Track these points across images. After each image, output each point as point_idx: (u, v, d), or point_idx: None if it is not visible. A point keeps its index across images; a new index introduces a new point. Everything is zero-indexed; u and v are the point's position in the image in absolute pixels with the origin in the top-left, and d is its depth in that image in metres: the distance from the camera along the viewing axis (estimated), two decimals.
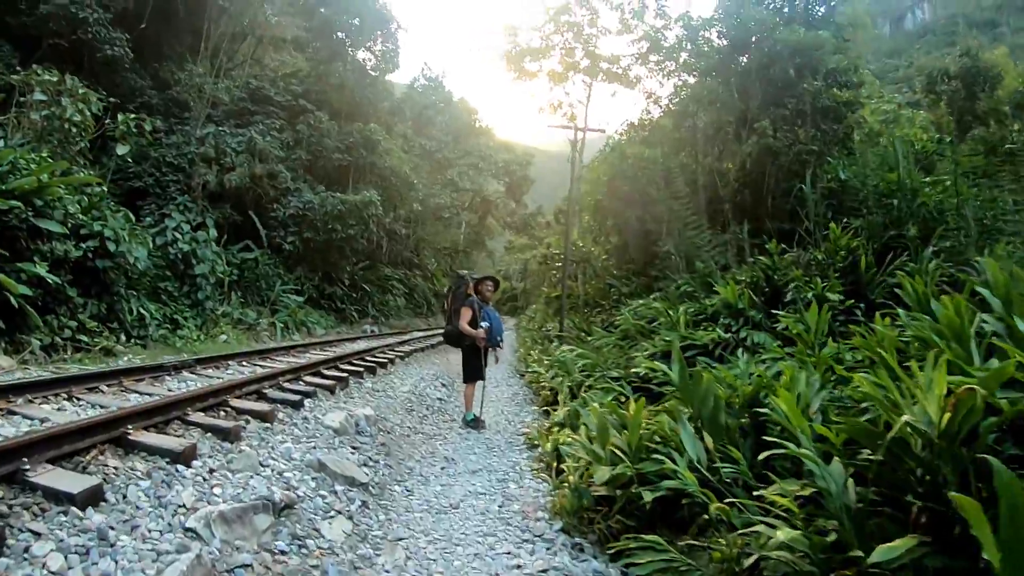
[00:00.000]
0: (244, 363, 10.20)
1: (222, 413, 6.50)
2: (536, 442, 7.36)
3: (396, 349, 15.76)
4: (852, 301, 8.01)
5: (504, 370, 15.31)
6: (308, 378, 8.90)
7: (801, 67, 16.60)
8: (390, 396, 9.27)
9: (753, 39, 17.38)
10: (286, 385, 8.18)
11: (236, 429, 5.72)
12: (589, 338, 13.37)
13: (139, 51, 22.77)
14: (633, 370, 9.07)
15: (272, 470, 5.02)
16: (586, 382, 9.30)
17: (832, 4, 18.73)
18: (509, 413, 9.96)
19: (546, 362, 12.27)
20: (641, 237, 16.36)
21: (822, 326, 6.42)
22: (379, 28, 32.01)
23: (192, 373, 8.82)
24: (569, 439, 6.12)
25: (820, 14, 18.06)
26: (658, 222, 16.19)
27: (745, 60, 17.96)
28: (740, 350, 8.18)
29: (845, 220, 10.65)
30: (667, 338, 9.06)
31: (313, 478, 5.14)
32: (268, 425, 6.45)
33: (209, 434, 5.55)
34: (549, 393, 10.79)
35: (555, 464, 6.17)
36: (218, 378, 8.50)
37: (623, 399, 7.84)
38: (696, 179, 16.67)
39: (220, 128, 23.92)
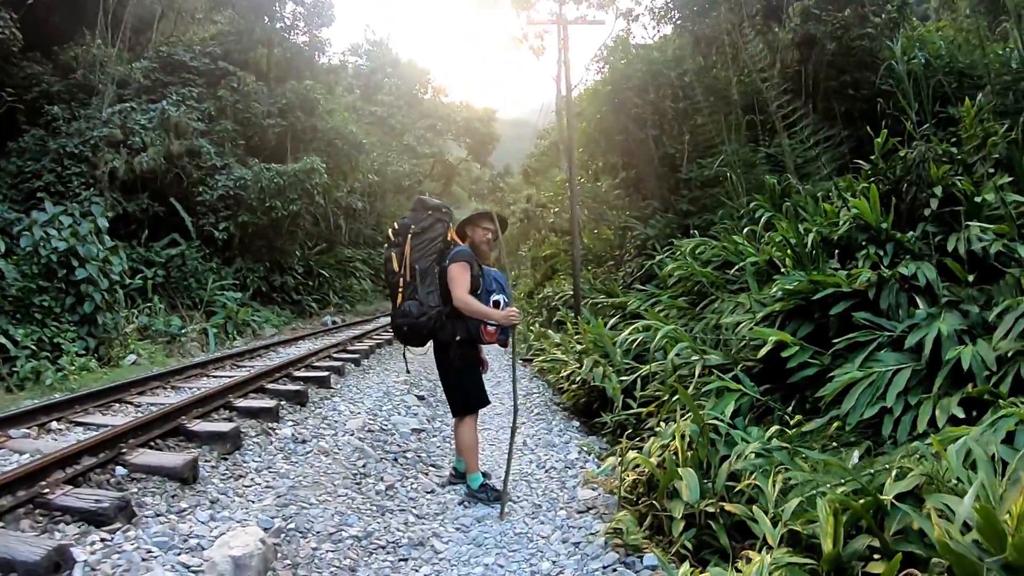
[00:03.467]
0: (75, 416, 6.14)
1: None
2: (636, 539, 3.48)
3: (354, 345, 12.06)
4: None
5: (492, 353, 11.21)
6: (173, 439, 5.13)
7: None
8: (326, 450, 5.36)
9: None
10: (90, 483, 4.21)
11: None
12: (622, 301, 9.66)
13: (35, 34, 18.94)
14: (740, 349, 5.57)
15: None
16: (662, 373, 5.74)
17: None
18: (537, 441, 6.28)
19: (571, 343, 8.55)
20: (659, 164, 12.61)
21: None
22: None
23: None
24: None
25: None
26: (679, 143, 12.48)
27: None
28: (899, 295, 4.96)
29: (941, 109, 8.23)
30: (789, 284, 5.39)
31: None
32: None
33: None
34: (582, 391, 7.19)
35: None
36: None
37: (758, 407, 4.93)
38: (718, 88, 12.93)
39: (126, 104, 19.88)
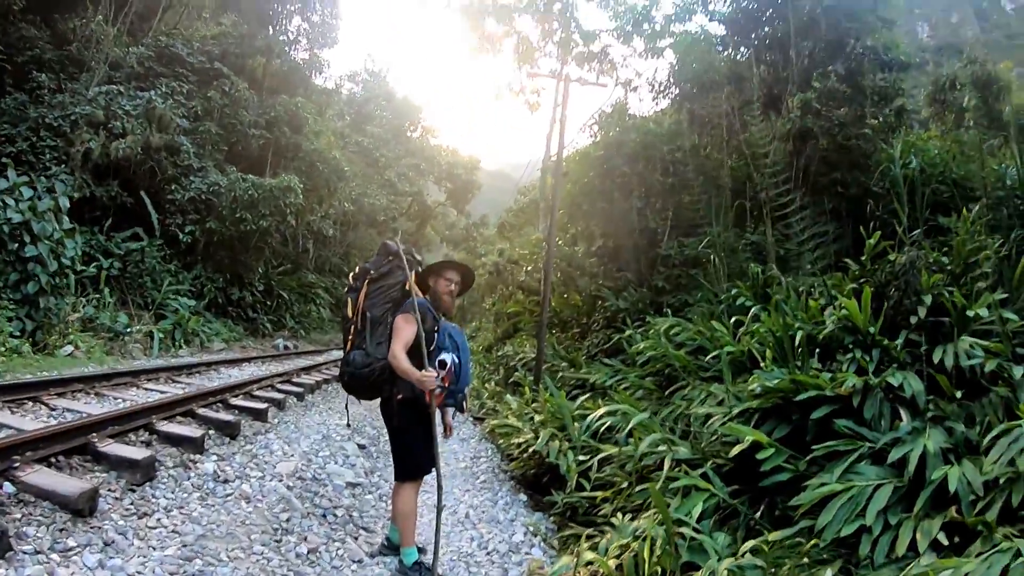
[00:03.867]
0: None
1: None
2: None
3: (300, 377, 11.43)
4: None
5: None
6: (79, 458, 4.54)
7: (847, 31, 13.11)
8: (248, 495, 4.77)
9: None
10: None
11: None
12: (585, 373, 9.30)
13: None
14: (710, 443, 5.28)
15: None
16: (622, 458, 5.40)
17: None
18: (480, 515, 5.84)
19: (528, 411, 8.12)
20: (639, 237, 12.41)
21: None
22: None
23: None
24: None
25: None
26: (663, 218, 12.31)
27: (768, 30, 14.41)
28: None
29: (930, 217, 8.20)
30: (770, 382, 5.09)
31: None
32: None
33: None
34: (533, 462, 6.81)
35: None
36: None
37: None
38: (708, 168, 12.87)
39: (114, 86, 19.39)
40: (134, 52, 20.85)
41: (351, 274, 4.35)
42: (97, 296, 15.70)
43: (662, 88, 15.87)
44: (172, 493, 4.41)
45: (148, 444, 5.15)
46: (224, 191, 19.90)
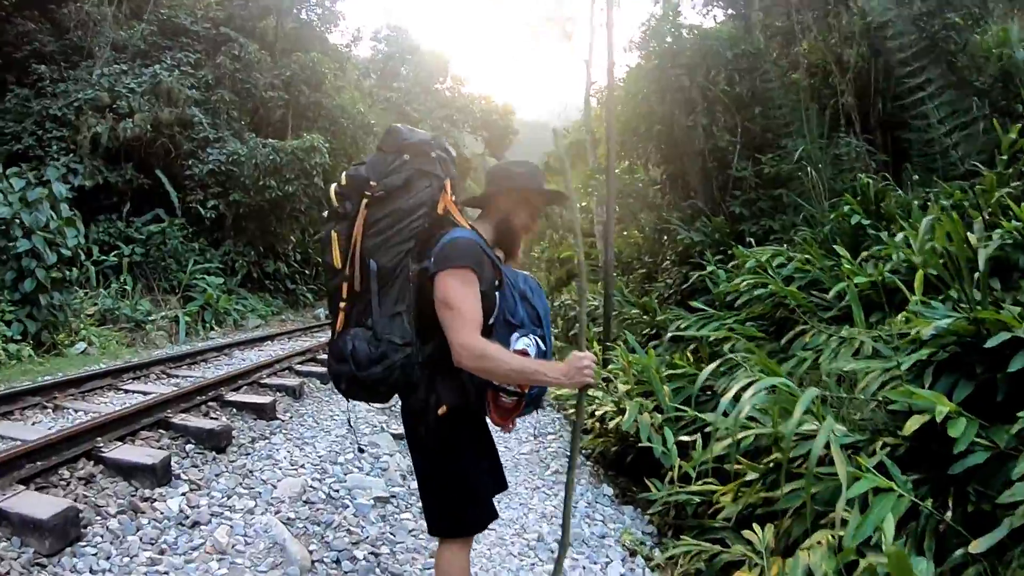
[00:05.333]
0: None
1: None
2: None
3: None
4: None
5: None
6: None
7: None
8: (223, 548, 3.25)
9: None
10: None
11: None
12: (662, 319, 7.65)
13: None
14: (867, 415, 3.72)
15: None
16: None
17: None
18: (558, 530, 4.29)
19: (603, 372, 6.51)
20: (708, 158, 10.61)
21: None
22: None
23: None
24: None
25: None
26: (731, 135, 10.51)
27: None
28: None
29: None
30: (942, 322, 3.46)
31: None
32: None
33: None
34: (613, 437, 5.32)
35: None
36: None
37: None
38: (782, 72, 10.97)
39: (117, 67, 18.20)
40: (136, 30, 19.50)
41: (333, 187, 2.31)
42: (119, 286, 14.61)
43: None
44: (106, 560, 2.98)
45: (87, 481, 3.72)
46: (245, 159, 18.53)
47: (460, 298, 2.08)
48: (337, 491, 4.29)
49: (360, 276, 2.19)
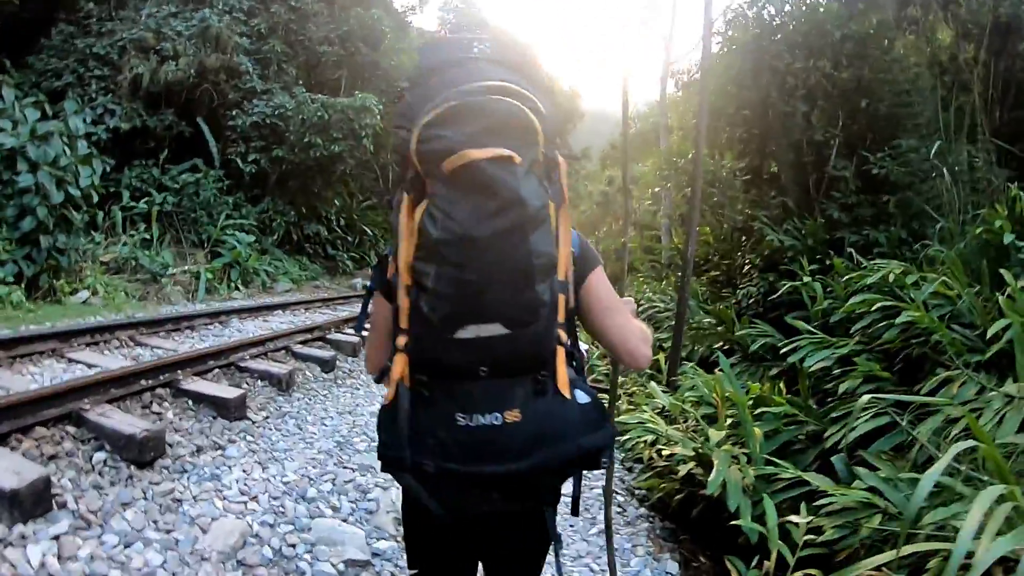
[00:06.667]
0: None
1: None
2: None
3: (343, 331, 8.71)
4: None
5: None
6: None
7: None
8: None
9: None
10: None
11: None
12: (742, 335, 6.23)
13: None
14: None
15: None
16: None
17: None
18: None
19: (672, 399, 5.08)
20: (807, 151, 9.10)
21: None
22: None
23: None
24: None
25: None
26: (832, 128, 9.01)
27: None
28: None
29: None
30: None
31: None
32: None
33: None
34: (676, 481, 4.03)
35: None
36: None
37: None
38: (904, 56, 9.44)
39: (168, 7, 17.29)
40: None
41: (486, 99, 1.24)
42: (138, 233, 13.64)
43: None
44: None
45: None
46: (292, 114, 17.41)
47: (608, 284, 1.57)
48: (293, 546, 2.99)
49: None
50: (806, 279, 6.38)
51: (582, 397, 1.32)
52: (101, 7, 16.96)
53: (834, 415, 4.16)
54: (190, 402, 4.40)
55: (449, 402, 1.25)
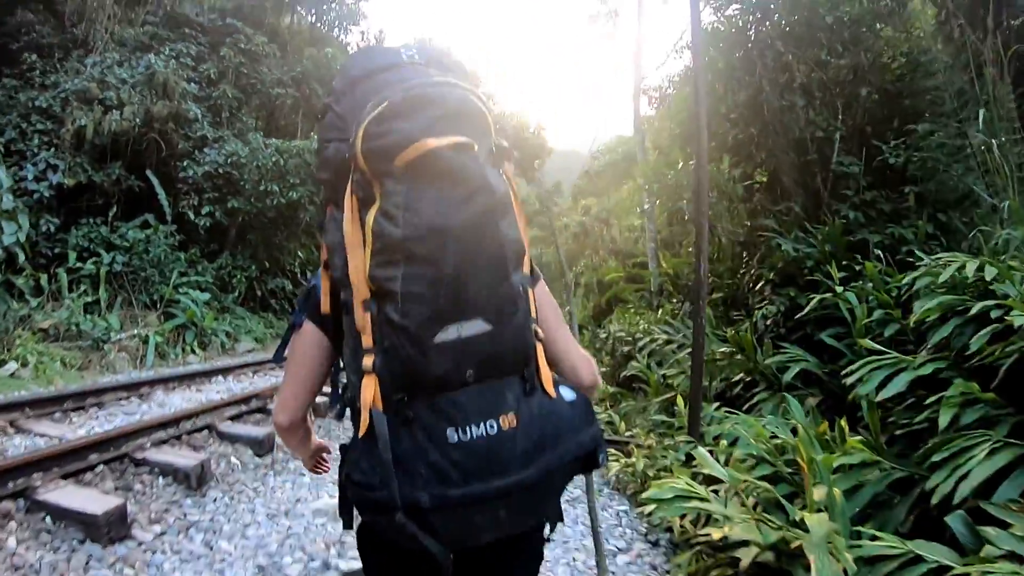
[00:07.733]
0: None
1: None
2: None
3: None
4: None
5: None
6: None
7: None
8: None
9: None
10: None
11: None
12: (763, 366, 5.18)
13: None
14: None
15: None
16: None
17: None
18: None
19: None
20: (812, 148, 8.11)
21: None
22: None
23: None
24: None
25: None
26: (830, 122, 8.09)
27: None
28: None
29: None
30: None
31: None
32: None
33: None
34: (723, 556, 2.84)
35: None
36: None
37: None
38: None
39: (108, 55, 16.50)
40: (136, 18, 17.95)
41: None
42: (79, 296, 12.43)
43: None
44: None
45: None
46: (246, 161, 16.36)
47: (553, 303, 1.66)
48: None
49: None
50: (839, 289, 5.33)
51: (568, 394, 1.30)
52: (45, 60, 16.14)
53: (935, 458, 3.07)
54: (48, 519, 3.20)
55: (435, 418, 1.15)
